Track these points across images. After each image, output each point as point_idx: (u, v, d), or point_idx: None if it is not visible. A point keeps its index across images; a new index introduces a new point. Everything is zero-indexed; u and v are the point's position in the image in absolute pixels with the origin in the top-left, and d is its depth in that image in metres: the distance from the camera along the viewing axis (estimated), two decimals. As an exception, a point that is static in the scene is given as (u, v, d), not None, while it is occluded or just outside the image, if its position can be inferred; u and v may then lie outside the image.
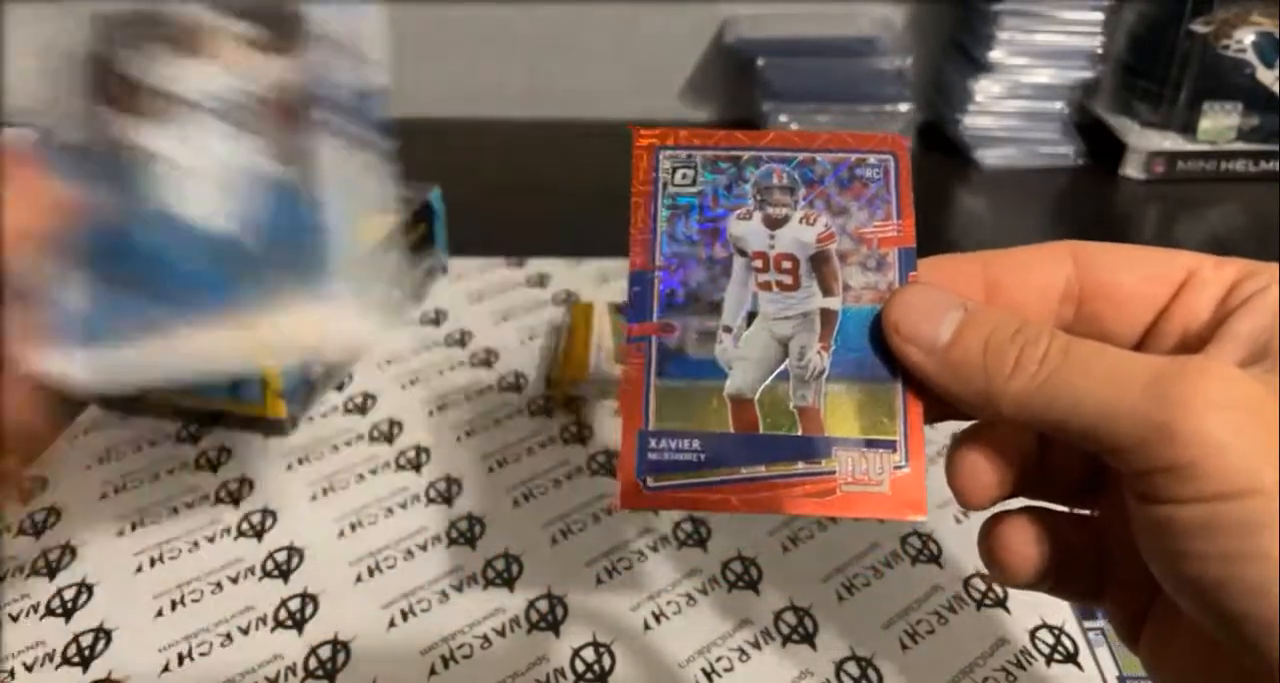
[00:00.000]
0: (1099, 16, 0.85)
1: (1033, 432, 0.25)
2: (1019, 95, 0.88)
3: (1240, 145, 0.85)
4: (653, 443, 0.24)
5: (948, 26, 0.94)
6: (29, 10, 0.30)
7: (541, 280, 0.67)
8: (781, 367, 0.25)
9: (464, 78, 0.98)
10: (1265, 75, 0.83)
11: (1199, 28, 0.83)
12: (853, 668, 0.38)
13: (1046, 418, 0.21)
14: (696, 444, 0.24)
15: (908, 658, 0.39)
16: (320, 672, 0.38)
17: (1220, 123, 0.84)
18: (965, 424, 0.25)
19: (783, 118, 0.88)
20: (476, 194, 0.75)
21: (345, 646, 0.40)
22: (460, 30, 0.96)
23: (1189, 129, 0.85)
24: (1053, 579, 0.25)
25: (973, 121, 0.89)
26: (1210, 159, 0.85)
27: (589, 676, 0.38)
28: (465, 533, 0.45)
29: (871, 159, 0.26)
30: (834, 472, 0.24)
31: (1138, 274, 0.24)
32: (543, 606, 0.41)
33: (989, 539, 0.25)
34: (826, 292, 0.25)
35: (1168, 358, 0.20)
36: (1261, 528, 0.18)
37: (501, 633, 0.40)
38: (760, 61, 0.89)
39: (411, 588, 0.42)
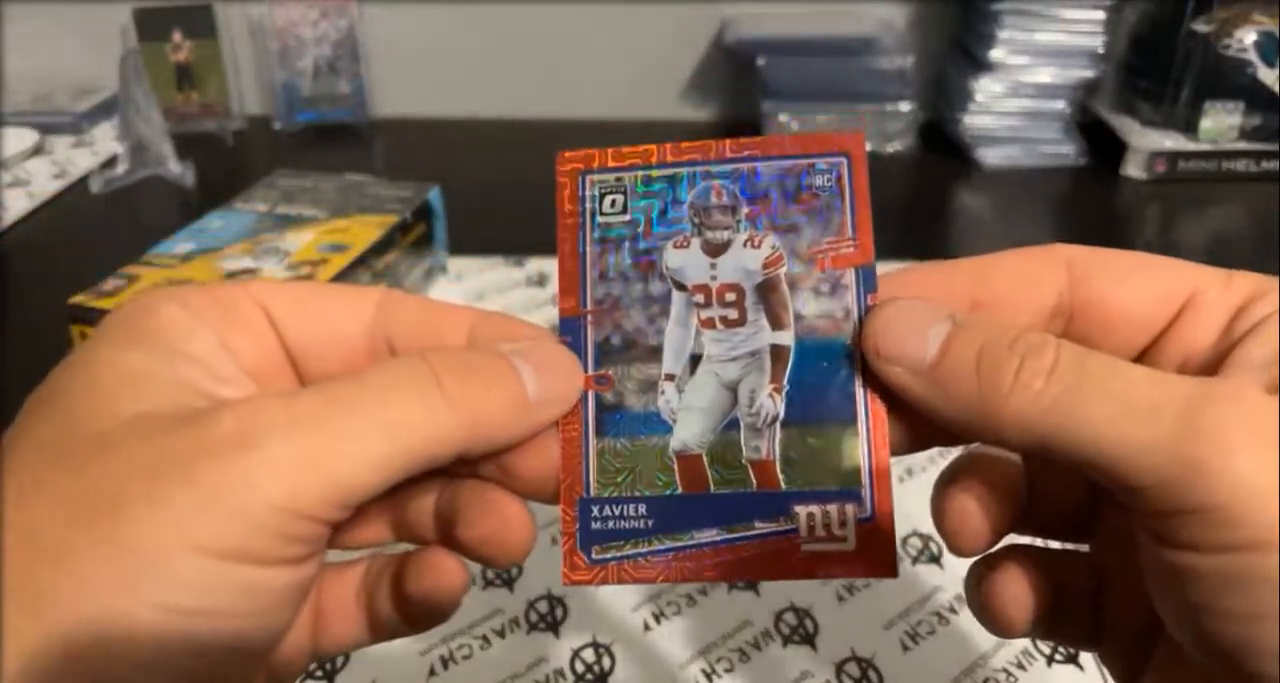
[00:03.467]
0: (1100, 16, 0.85)
1: (1022, 461, 0.22)
2: (1020, 95, 0.88)
3: (1242, 145, 0.85)
4: (595, 511, 0.22)
5: (949, 26, 0.94)
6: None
7: (541, 280, 0.67)
8: (731, 415, 0.22)
9: (465, 77, 0.98)
10: (1266, 75, 0.83)
11: (1200, 27, 0.83)
12: (853, 669, 0.38)
13: (1054, 444, 0.18)
14: (643, 510, 0.21)
15: (908, 659, 0.39)
16: (320, 672, 0.38)
17: (1222, 122, 0.84)
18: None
19: (783, 117, 0.88)
20: (476, 194, 0.74)
21: (345, 646, 0.39)
22: (461, 29, 0.96)
23: (1190, 128, 0.85)
24: (1046, 624, 0.23)
25: (974, 121, 0.88)
26: (1212, 159, 0.84)
27: (589, 676, 0.38)
28: (465, 533, 0.45)
29: (821, 164, 0.23)
30: (795, 530, 0.21)
31: (1137, 291, 0.21)
32: (542, 606, 0.41)
33: (984, 591, 0.22)
34: (776, 324, 0.22)
35: (1196, 381, 0.18)
36: None
37: (501, 634, 0.40)
38: (760, 61, 0.88)
39: (411, 589, 0.42)
